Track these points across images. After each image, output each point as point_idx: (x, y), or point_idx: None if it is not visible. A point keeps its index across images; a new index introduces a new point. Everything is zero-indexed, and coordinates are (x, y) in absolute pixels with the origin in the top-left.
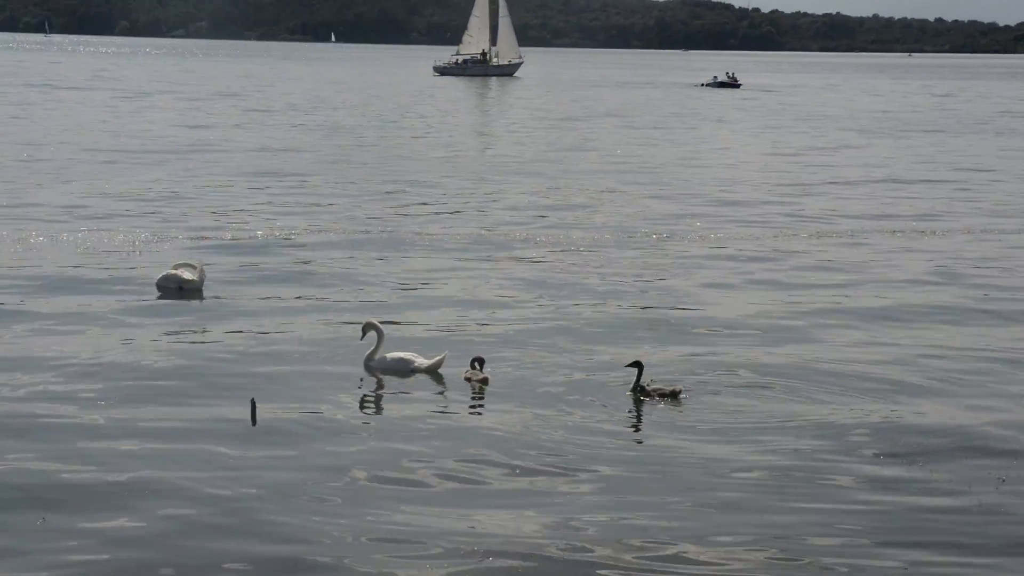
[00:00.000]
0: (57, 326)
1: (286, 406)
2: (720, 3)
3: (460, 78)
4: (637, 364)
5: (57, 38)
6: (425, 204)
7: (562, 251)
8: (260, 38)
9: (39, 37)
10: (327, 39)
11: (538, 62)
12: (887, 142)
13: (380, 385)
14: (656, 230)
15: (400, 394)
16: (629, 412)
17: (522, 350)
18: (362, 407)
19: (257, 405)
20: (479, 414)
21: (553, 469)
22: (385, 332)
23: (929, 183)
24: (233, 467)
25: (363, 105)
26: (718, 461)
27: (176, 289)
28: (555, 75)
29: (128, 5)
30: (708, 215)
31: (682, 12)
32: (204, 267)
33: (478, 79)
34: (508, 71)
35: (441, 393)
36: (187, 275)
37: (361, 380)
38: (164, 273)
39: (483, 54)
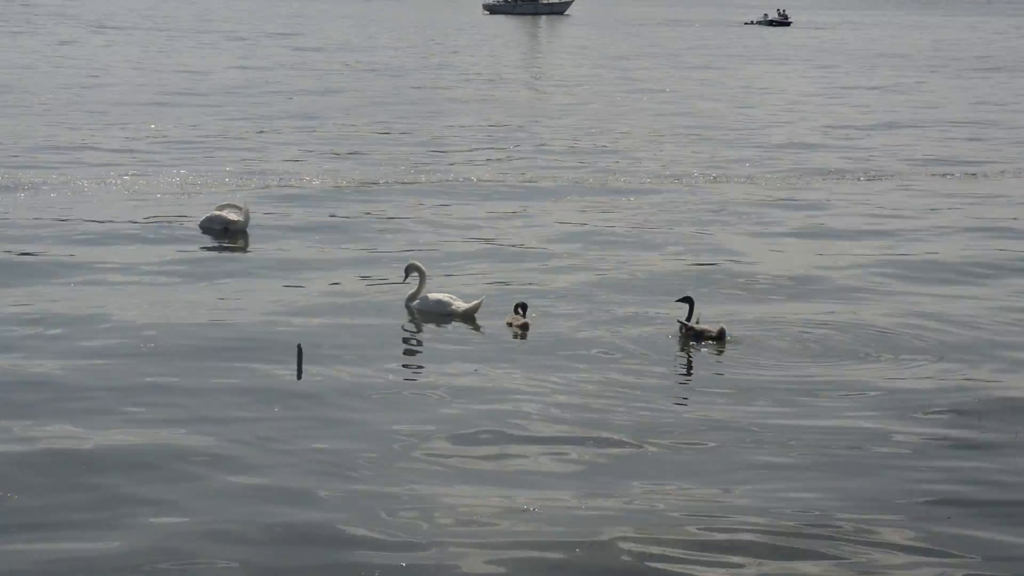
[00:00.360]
0: (103, 276)
1: (329, 362)
2: None
3: (510, 16)
4: (688, 300)
5: None
6: (470, 149)
7: (608, 197)
8: None
9: None
10: None
11: None
12: (942, 81)
13: (421, 331)
14: (704, 174)
15: (442, 346)
16: (674, 368)
17: (565, 299)
18: (404, 363)
19: (304, 355)
20: (519, 370)
21: (591, 436)
22: (427, 273)
23: (983, 125)
24: (276, 432)
25: (411, 45)
26: (766, 427)
27: (221, 230)
28: (605, 13)
29: None
30: (757, 159)
31: None
32: (249, 208)
33: (528, 17)
34: (559, 9)
35: (482, 344)
36: (232, 215)
37: (404, 329)
38: (208, 214)
39: None
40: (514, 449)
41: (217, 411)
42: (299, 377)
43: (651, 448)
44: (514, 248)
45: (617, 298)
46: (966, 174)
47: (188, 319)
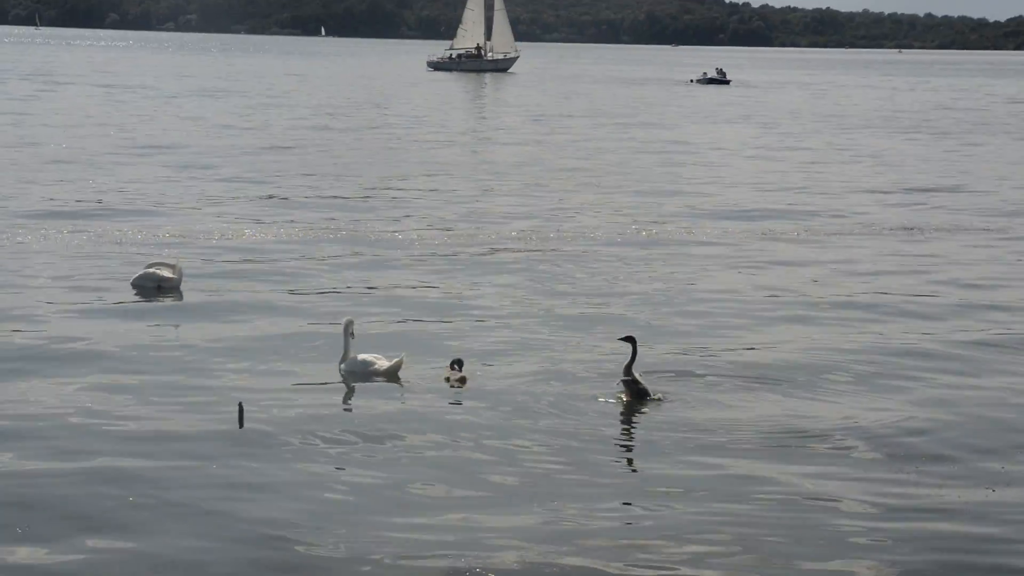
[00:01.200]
0: (34, 327)
1: (269, 410)
2: None
3: (454, 73)
4: (631, 339)
5: (48, 31)
6: (407, 203)
7: (547, 251)
8: (250, 31)
9: (30, 29)
10: (316, 32)
11: (530, 57)
12: (879, 139)
13: (356, 387)
14: (644, 230)
15: (381, 395)
16: (603, 416)
17: (502, 352)
18: (343, 410)
19: (244, 408)
20: (458, 417)
21: (527, 478)
22: (353, 332)
23: (920, 181)
24: (220, 475)
25: (353, 101)
26: (699, 469)
27: (155, 287)
28: (548, 70)
29: None
30: (697, 214)
31: (672, 7)
32: (181, 266)
33: (472, 74)
34: (503, 66)
35: (420, 395)
36: (165, 272)
37: (341, 380)
38: (141, 271)
39: (478, 48)
40: (459, 500)
41: (161, 460)
42: (241, 426)
43: (574, 485)
44: (452, 303)
45: (552, 348)
46: (899, 227)
47: (127, 374)
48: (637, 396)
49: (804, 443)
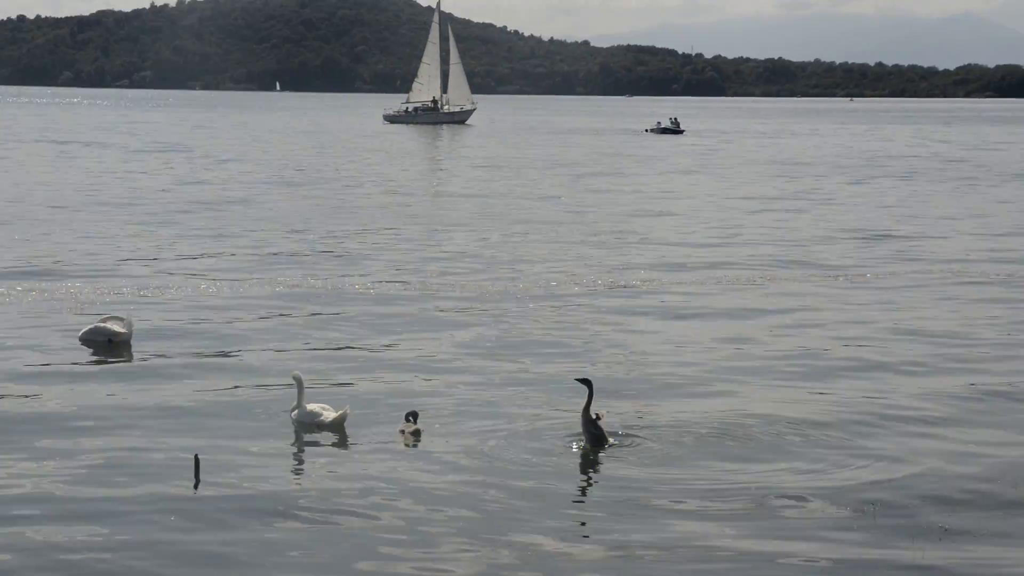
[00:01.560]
0: None
1: (223, 473)
2: (663, 49)
3: (410, 126)
4: (587, 382)
5: (2, 88)
6: (362, 257)
7: (503, 304)
8: (205, 87)
9: None
10: (272, 88)
11: (486, 109)
12: (834, 185)
13: (310, 443)
14: (601, 281)
15: (333, 448)
16: (560, 472)
17: (457, 405)
18: (298, 464)
19: (200, 462)
20: (413, 471)
21: (485, 531)
22: (304, 383)
23: (876, 225)
24: (174, 541)
25: (310, 154)
26: (655, 532)
27: (106, 342)
28: (505, 122)
29: (72, 56)
30: (654, 264)
31: (626, 58)
32: (132, 320)
33: (429, 127)
34: (460, 118)
35: (373, 451)
36: (116, 327)
37: (295, 434)
38: (92, 326)
39: (434, 101)
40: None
41: (115, 521)
42: (196, 486)
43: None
44: (408, 356)
45: (508, 401)
46: (851, 275)
47: (69, 420)
48: (595, 443)
49: (763, 502)
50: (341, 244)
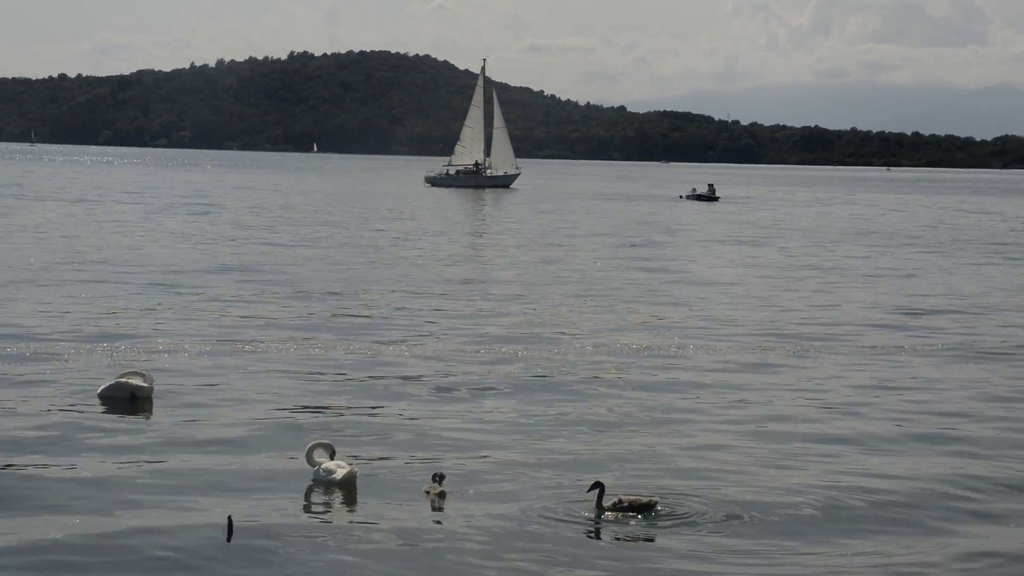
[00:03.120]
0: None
1: (255, 521)
2: (700, 115)
3: (452, 189)
4: (598, 485)
5: (42, 147)
6: (402, 322)
7: (543, 376)
8: (242, 148)
9: (25, 146)
10: (309, 149)
11: (526, 174)
12: (876, 257)
13: (337, 500)
14: (637, 353)
15: (359, 506)
16: (589, 533)
17: (485, 471)
18: (330, 519)
19: (233, 521)
20: (440, 530)
21: None
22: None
23: (915, 302)
24: None
25: (354, 216)
26: None
27: (128, 398)
28: (545, 187)
29: (111, 115)
30: (693, 335)
31: (662, 124)
32: (152, 376)
33: (471, 190)
34: (504, 182)
35: (400, 505)
36: (139, 382)
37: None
38: (112, 382)
39: (476, 165)
40: None
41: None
42: (229, 540)
43: None
44: (430, 422)
45: (536, 469)
46: (895, 349)
47: (103, 477)
48: (628, 510)
49: None
50: (383, 307)
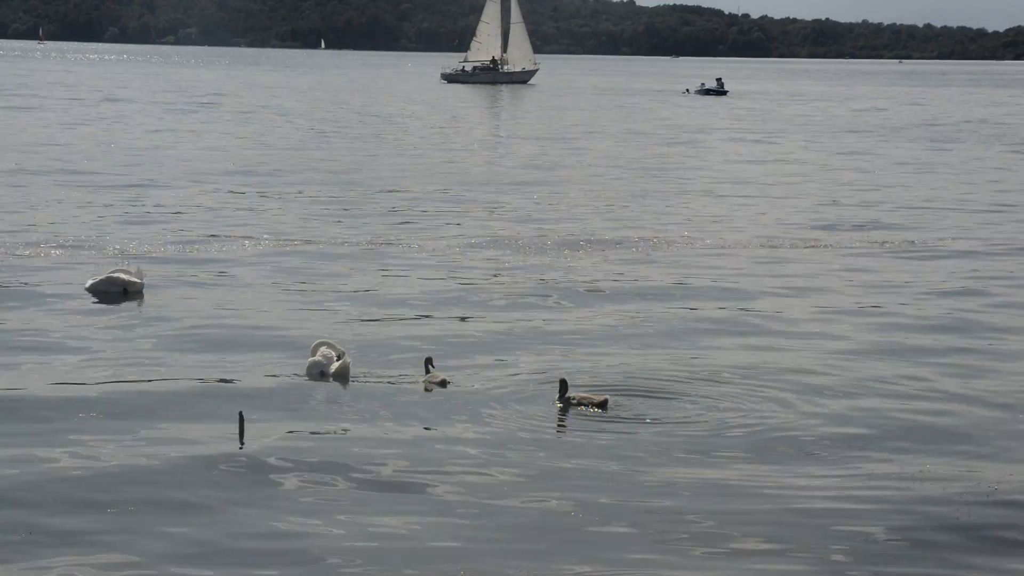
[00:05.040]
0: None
1: (267, 427)
2: (709, 8)
3: (469, 85)
4: (561, 382)
5: (50, 44)
6: (404, 217)
7: (538, 262)
8: (249, 44)
9: (33, 44)
10: (316, 45)
11: (541, 70)
12: (883, 146)
13: (348, 394)
14: (643, 240)
15: (367, 403)
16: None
17: (483, 357)
18: (336, 419)
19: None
20: (434, 427)
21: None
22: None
23: (930, 196)
24: (220, 496)
25: (373, 112)
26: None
27: (121, 292)
28: (567, 83)
29: (117, 11)
30: (696, 224)
31: (671, 18)
32: (143, 270)
33: (488, 86)
34: (521, 78)
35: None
36: (130, 277)
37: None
38: (105, 276)
39: (493, 61)
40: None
41: (159, 476)
42: (241, 444)
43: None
44: (428, 311)
45: (527, 355)
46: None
47: (96, 375)
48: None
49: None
50: (393, 199)
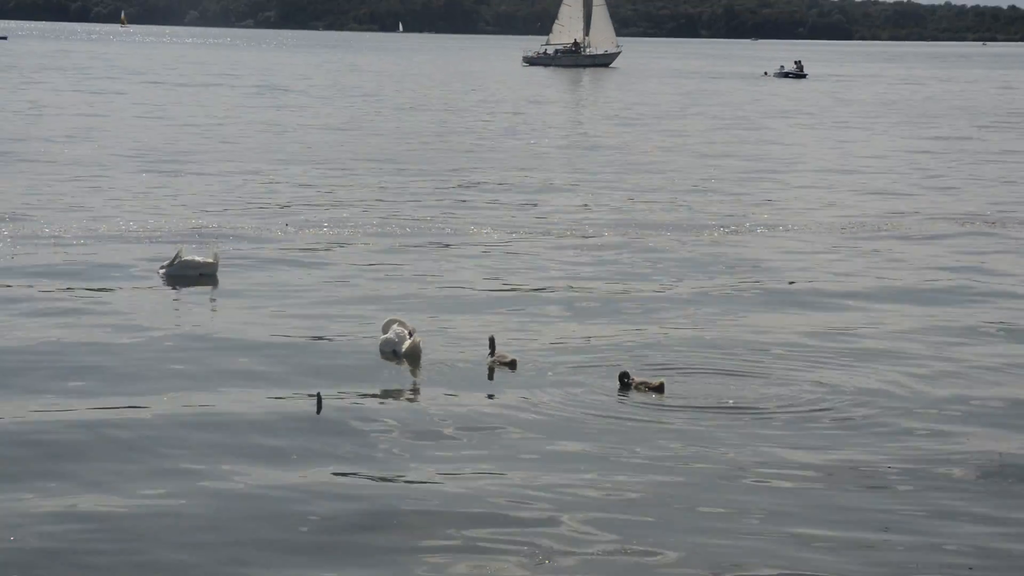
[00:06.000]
0: (79, 318)
1: (342, 402)
2: None
3: (551, 68)
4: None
5: (134, 27)
6: (477, 201)
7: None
8: (327, 27)
9: (117, 27)
10: (394, 28)
11: (626, 52)
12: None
13: (407, 372)
14: (716, 225)
15: (435, 381)
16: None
17: (548, 342)
18: (405, 397)
19: (322, 397)
20: (498, 397)
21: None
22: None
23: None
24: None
25: (461, 96)
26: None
27: (196, 276)
28: (648, 65)
29: None
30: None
31: (750, 1)
32: (218, 253)
33: (571, 70)
34: (603, 61)
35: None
36: (205, 260)
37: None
38: (178, 261)
39: (575, 44)
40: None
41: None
42: (319, 412)
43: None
44: (494, 296)
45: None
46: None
47: (180, 354)
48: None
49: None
50: (467, 185)
